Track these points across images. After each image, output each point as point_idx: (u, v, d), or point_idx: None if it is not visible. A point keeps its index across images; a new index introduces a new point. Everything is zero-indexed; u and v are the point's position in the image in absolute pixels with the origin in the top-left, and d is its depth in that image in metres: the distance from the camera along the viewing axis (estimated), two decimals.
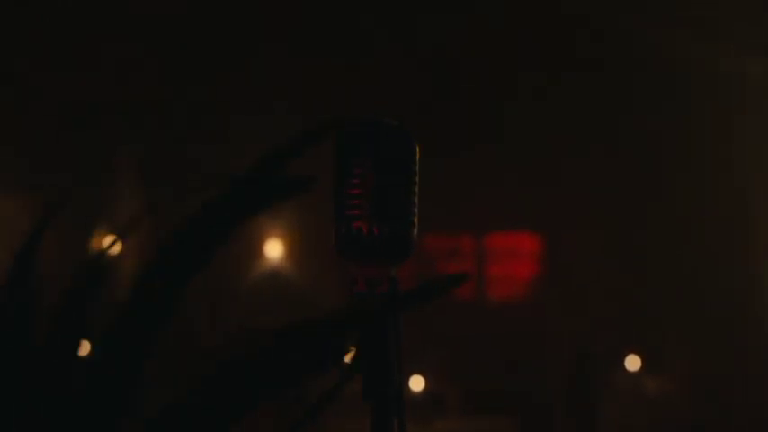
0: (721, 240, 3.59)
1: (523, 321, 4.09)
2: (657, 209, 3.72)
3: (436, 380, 4.18)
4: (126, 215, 3.70)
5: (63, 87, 3.76)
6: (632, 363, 4.18)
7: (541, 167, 3.89)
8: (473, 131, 3.92)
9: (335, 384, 0.89)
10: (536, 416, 4.25)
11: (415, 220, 1.02)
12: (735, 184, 3.83)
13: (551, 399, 4.22)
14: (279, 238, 4.51)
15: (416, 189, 1.03)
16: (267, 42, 3.92)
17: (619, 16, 3.86)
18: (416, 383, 4.12)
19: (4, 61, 3.68)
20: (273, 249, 4.38)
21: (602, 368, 4.20)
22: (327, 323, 1.02)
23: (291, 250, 4.42)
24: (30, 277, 1.03)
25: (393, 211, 1.01)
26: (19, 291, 1.01)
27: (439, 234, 4.03)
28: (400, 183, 1.02)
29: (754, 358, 4.00)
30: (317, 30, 3.87)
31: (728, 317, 3.92)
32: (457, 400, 4.23)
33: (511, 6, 3.83)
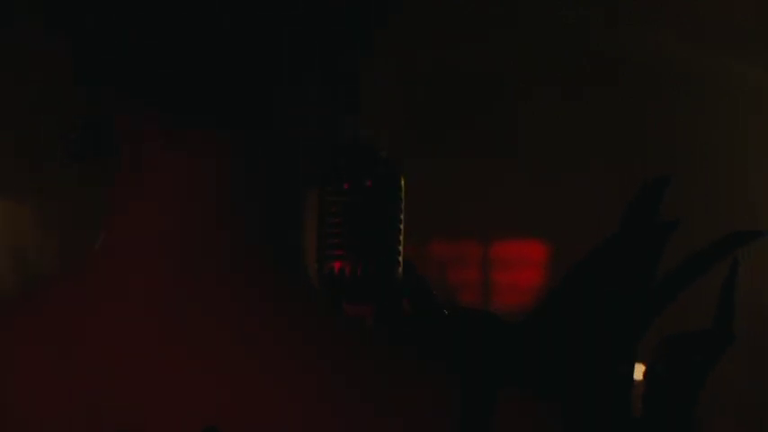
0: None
1: None
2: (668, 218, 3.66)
3: None
4: None
5: None
6: (637, 372, 4.12)
7: (551, 176, 3.85)
8: (484, 138, 3.88)
9: None
10: None
11: (400, 258, 0.97)
12: (748, 197, 3.78)
13: None
14: None
15: (402, 226, 0.97)
16: None
17: (633, 25, 3.81)
18: None
19: None
20: None
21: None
22: None
23: None
24: None
25: (377, 251, 0.96)
26: None
27: (446, 241, 3.99)
28: (385, 220, 0.96)
29: (759, 362, 3.97)
30: None
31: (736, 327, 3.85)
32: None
33: (527, 18, 3.79)
